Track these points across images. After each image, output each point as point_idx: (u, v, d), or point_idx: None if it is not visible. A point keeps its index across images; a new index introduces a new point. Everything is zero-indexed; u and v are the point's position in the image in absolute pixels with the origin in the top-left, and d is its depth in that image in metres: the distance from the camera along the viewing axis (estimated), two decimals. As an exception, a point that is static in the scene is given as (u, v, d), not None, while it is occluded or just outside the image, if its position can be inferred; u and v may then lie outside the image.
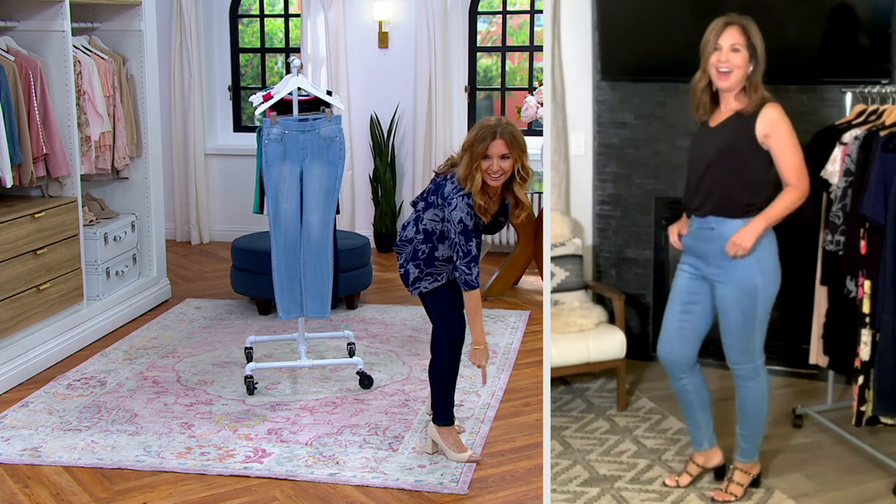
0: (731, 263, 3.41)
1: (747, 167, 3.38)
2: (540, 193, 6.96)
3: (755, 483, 3.65)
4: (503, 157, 3.82)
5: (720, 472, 3.72)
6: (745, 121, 3.36)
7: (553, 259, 4.34)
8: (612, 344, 4.22)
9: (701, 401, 3.66)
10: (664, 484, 3.72)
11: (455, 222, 3.86)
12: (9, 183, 5.15)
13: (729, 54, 3.32)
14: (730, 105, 3.40)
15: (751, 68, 3.32)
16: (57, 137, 5.42)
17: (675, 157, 4.02)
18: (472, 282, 3.89)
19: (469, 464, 4.10)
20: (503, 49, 8.06)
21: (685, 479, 3.73)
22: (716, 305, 3.51)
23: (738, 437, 3.65)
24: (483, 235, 4.22)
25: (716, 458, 3.72)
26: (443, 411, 4.16)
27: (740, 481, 3.63)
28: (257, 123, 5.18)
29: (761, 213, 3.36)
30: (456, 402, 4.27)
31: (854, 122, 3.66)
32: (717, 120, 3.45)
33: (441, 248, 3.99)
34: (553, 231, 4.31)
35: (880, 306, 3.49)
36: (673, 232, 3.65)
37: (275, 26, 8.61)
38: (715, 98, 3.44)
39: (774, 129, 3.32)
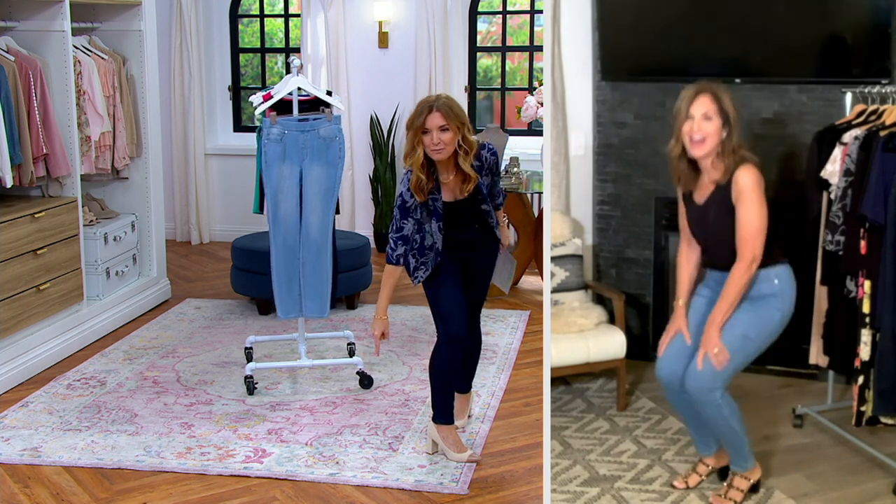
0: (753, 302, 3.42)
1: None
2: (540, 193, 6.96)
3: (755, 489, 3.63)
4: (442, 129, 3.86)
5: (723, 472, 3.72)
6: (723, 193, 3.37)
7: (553, 259, 4.34)
8: (612, 344, 4.22)
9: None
10: (672, 486, 3.72)
11: (397, 196, 3.99)
12: (9, 183, 5.15)
13: (701, 123, 3.32)
14: (710, 174, 3.41)
15: (724, 135, 3.32)
16: (57, 137, 5.42)
17: (674, 157, 4.02)
18: (390, 257, 4.03)
19: (469, 464, 4.10)
20: (503, 49, 8.06)
21: (694, 480, 3.72)
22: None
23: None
24: (511, 262, 4.29)
25: (725, 458, 3.71)
26: (442, 409, 4.15)
27: (740, 487, 3.61)
28: (257, 123, 5.18)
29: (715, 308, 3.38)
30: (456, 402, 4.27)
31: (854, 122, 3.66)
32: (701, 195, 3.46)
33: (427, 235, 4.00)
34: (553, 231, 4.31)
35: (880, 306, 3.49)
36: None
37: (275, 26, 8.61)
38: (694, 164, 3.44)
39: (741, 194, 3.32)
